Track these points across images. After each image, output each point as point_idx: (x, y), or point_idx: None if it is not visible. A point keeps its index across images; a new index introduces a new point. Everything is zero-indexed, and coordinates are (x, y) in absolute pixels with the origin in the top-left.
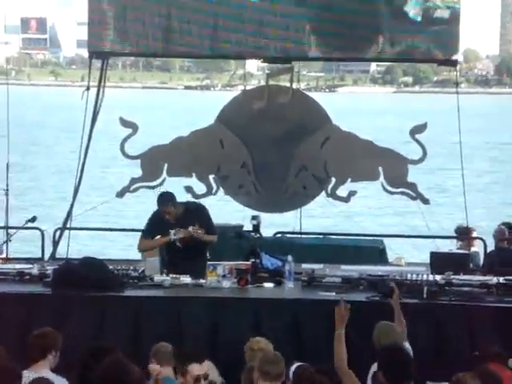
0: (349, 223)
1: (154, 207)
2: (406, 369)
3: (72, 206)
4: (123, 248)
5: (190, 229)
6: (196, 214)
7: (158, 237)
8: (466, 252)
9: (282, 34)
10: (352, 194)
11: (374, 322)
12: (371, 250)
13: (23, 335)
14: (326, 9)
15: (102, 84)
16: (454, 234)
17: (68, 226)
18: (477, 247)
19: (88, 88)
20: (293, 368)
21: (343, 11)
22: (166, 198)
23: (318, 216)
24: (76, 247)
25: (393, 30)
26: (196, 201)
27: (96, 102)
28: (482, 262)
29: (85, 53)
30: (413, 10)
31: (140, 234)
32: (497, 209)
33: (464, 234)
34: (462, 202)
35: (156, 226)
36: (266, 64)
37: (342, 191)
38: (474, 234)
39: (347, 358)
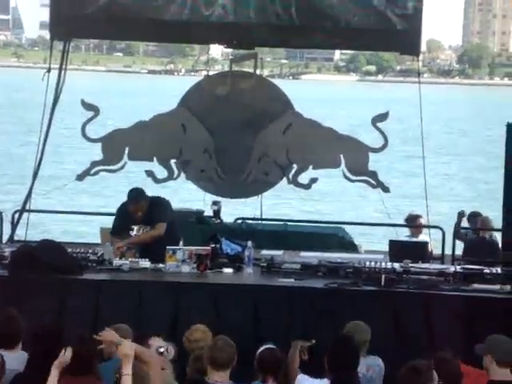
0: (309, 210)
1: (111, 191)
2: (349, 359)
3: (31, 187)
4: (82, 231)
5: (123, 244)
6: (157, 208)
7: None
8: (426, 240)
9: (246, 19)
10: (313, 181)
11: (331, 309)
12: (332, 237)
13: None
14: None
15: (64, 66)
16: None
17: (27, 208)
18: (424, 235)
19: (49, 70)
20: (259, 351)
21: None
22: (132, 197)
23: (280, 202)
24: (35, 230)
25: (357, 18)
26: (161, 196)
27: (57, 84)
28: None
29: (47, 34)
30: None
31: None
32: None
33: (412, 221)
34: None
35: (122, 220)
36: (230, 50)
37: (304, 178)
38: (422, 221)
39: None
